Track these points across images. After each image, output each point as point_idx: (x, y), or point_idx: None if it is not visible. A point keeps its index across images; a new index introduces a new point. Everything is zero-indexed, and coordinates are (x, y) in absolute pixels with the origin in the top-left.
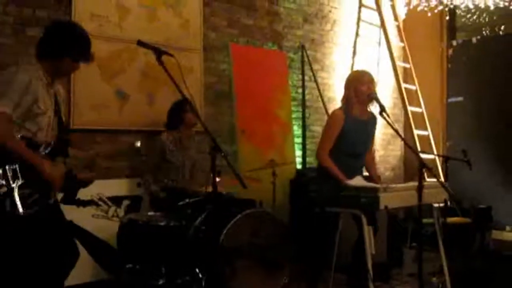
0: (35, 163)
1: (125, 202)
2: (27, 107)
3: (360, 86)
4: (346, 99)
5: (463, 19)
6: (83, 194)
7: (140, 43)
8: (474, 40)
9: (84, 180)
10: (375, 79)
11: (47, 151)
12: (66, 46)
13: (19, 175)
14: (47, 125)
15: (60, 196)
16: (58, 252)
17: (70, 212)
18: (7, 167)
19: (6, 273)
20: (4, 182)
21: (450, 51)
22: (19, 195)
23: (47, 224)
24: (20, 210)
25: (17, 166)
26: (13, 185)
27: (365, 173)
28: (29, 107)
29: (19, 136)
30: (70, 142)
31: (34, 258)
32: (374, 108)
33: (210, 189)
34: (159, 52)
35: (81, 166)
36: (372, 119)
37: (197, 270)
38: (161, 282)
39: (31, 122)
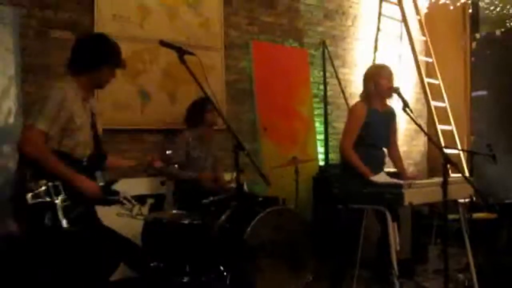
0: (70, 179)
1: (149, 201)
2: (63, 123)
3: (380, 80)
4: (365, 93)
5: (486, 12)
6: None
7: (163, 43)
8: (497, 32)
9: (110, 180)
10: (394, 73)
11: (85, 165)
12: (103, 54)
13: (61, 190)
14: (84, 140)
15: None
16: (101, 259)
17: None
18: (49, 184)
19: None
20: (47, 199)
21: (474, 45)
22: (62, 207)
23: (89, 237)
24: (64, 224)
25: (59, 182)
26: (56, 201)
27: (389, 169)
28: (65, 123)
29: (57, 152)
30: (106, 156)
31: (74, 271)
32: (396, 103)
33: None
34: (181, 52)
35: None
36: (392, 114)
37: (221, 268)
38: (185, 279)
39: (68, 138)
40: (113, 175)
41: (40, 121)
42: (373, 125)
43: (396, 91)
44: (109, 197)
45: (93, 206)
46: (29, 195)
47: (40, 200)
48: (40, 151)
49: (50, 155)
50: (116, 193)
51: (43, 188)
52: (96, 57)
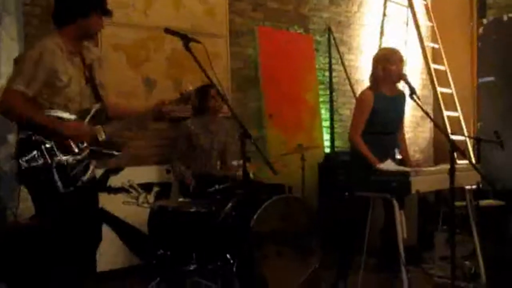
0: (52, 127)
1: (155, 189)
2: (44, 80)
3: (389, 65)
4: (373, 78)
5: None
6: (114, 181)
7: (168, 31)
8: (505, 17)
9: (114, 168)
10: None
11: (86, 120)
12: (90, 1)
13: (56, 151)
14: (78, 95)
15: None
16: (86, 231)
17: (102, 199)
18: (42, 146)
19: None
20: (43, 160)
21: (480, 30)
22: (60, 168)
23: (81, 203)
24: (61, 188)
25: (52, 143)
26: (51, 162)
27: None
28: (47, 80)
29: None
30: (107, 109)
31: (68, 232)
32: (402, 89)
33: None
34: (186, 39)
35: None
36: (402, 96)
37: (227, 256)
38: (192, 267)
39: (59, 96)
40: (121, 162)
41: (16, 82)
42: (381, 111)
43: (404, 78)
44: (106, 150)
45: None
46: (23, 159)
47: (33, 164)
48: (11, 105)
49: (25, 109)
50: (117, 147)
51: (35, 152)
52: (83, 4)
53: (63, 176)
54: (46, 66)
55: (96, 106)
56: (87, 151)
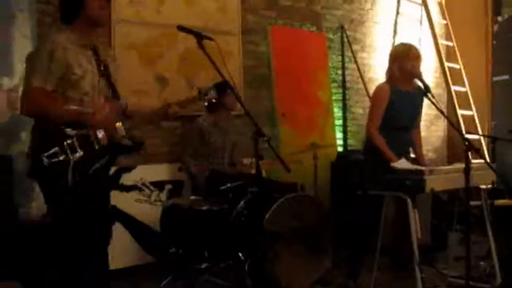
0: (78, 113)
1: (167, 187)
2: (59, 74)
3: (405, 63)
4: (389, 74)
5: None
6: (126, 179)
7: (181, 28)
8: None
9: (126, 166)
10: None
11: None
12: None
13: (77, 148)
14: (92, 89)
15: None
16: (97, 227)
17: (114, 197)
18: (64, 142)
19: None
20: (64, 157)
21: (495, 28)
22: (81, 161)
23: (92, 199)
24: (70, 183)
25: (74, 139)
26: (71, 158)
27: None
28: (62, 74)
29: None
30: (126, 104)
31: (78, 227)
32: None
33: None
34: (200, 37)
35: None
36: (419, 92)
37: (240, 254)
38: (204, 266)
39: (73, 90)
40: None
41: (33, 80)
42: (397, 105)
43: (419, 76)
44: (124, 143)
45: (111, 161)
46: (45, 155)
47: (54, 160)
48: (37, 103)
49: (49, 102)
50: (138, 143)
51: (56, 148)
52: None
53: (82, 171)
54: (59, 61)
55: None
56: (107, 148)
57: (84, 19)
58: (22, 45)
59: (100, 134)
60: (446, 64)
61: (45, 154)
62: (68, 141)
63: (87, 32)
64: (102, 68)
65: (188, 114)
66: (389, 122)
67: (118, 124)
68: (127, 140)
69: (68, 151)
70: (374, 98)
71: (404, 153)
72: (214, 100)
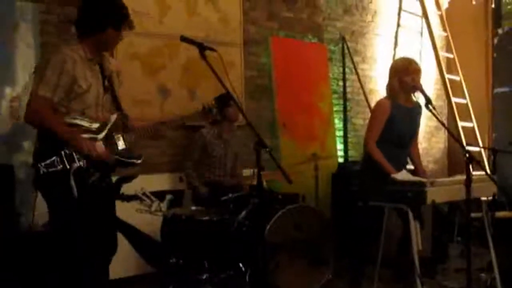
0: (69, 138)
1: (168, 197)
2: (67, 86)
3: (404, 77)
4: (390, 88)
5: (508, 6)
6: (127, 189)
7: (183, 39)
8: None
9: (127, 176)
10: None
11: (104, 132)
12: (108, 16)
13: (75, 159)
14: (95, 102)
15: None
16: (102, 238)
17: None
18: (62, 152)
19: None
20: (62, 166)
21: (496, 40)
22: (80, 172)
23: (97, 210)
24: (75, 193)
25: (73, 150)
26: (69, 169)
27: (409, 167)
28: (69, 86)
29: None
30: (128, 117)
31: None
32: (418, 99)
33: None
34: (202, 47)
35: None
36: (417, 107)
37: (240, 265)
38: (204, 276)
39: (76, 102)
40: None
41: (41, 88)
42: (397, 121)
43: (420, 88)
44: (126, 159)
45: (109, 175)
46: (42, 164)
47: (52, 169)
48: (39, 112)
49: (49, 114)
50: (138, 157)
51: (54, 157)
52: (100, 20)
53: (80, 182)
54: (68, 74)
55: (114, 117)
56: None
57: (98, 41)
58: (25, 54)
59: (99, 148)
60: (447, 76)
61: (43, 163)
62: (67, 151)
63: (96, 50)
64: (106, 83)
65: (190, 124)
66: (388, 137)
67: (118, 136)
68: (124, 151)
69: (66, 161)
70: (374, 113)
71: (402, 169)
72: (218, 118)
